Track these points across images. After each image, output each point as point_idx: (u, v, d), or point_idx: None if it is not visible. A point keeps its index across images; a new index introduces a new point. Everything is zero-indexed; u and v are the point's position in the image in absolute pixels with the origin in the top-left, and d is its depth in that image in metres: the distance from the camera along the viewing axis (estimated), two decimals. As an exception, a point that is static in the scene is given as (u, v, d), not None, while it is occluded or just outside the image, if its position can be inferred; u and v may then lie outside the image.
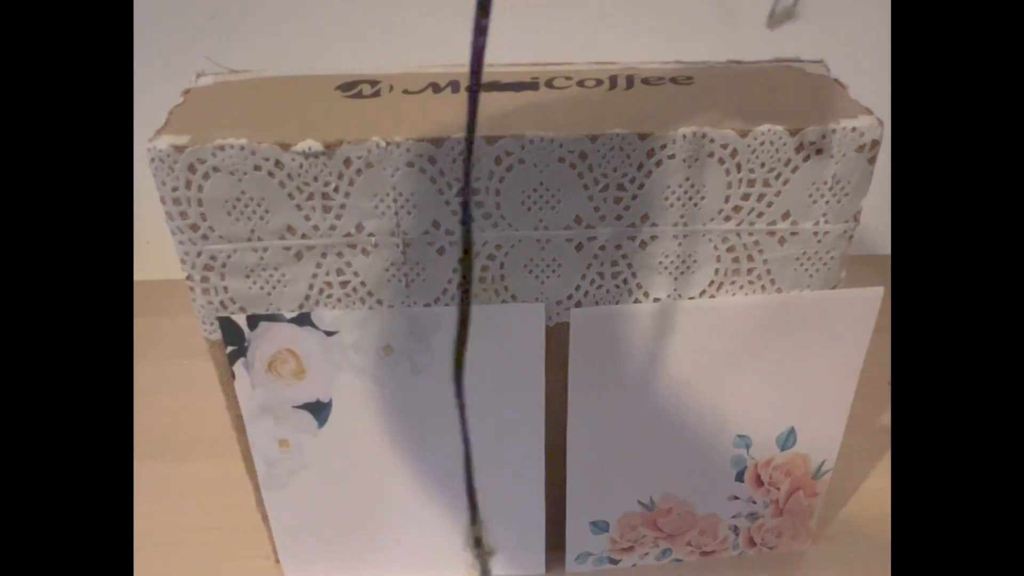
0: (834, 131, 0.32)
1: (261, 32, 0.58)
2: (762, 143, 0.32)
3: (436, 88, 0.36)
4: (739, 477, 0.41)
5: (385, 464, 0.39)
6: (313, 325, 0.35)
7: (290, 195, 0.32)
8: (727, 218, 0.34)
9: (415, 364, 0.36)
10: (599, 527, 0.42)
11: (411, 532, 0.41)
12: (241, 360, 0.35)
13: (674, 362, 0.37)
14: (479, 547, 0.25)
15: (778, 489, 0.42)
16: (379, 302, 0.35)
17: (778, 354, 0.37)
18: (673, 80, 0.36)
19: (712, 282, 0.35)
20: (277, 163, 0.31)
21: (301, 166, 0.31)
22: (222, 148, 0.30)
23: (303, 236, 0.33)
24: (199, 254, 0.33)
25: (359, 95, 0.35)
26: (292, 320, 0.35)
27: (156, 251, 0.65)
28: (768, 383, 0.38)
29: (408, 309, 0.35)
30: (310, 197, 0.32)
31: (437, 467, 0.39)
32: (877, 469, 0.50)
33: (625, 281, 0.35)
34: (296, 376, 0.36)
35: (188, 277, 0.34)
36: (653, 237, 0.34)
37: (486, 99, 0.35)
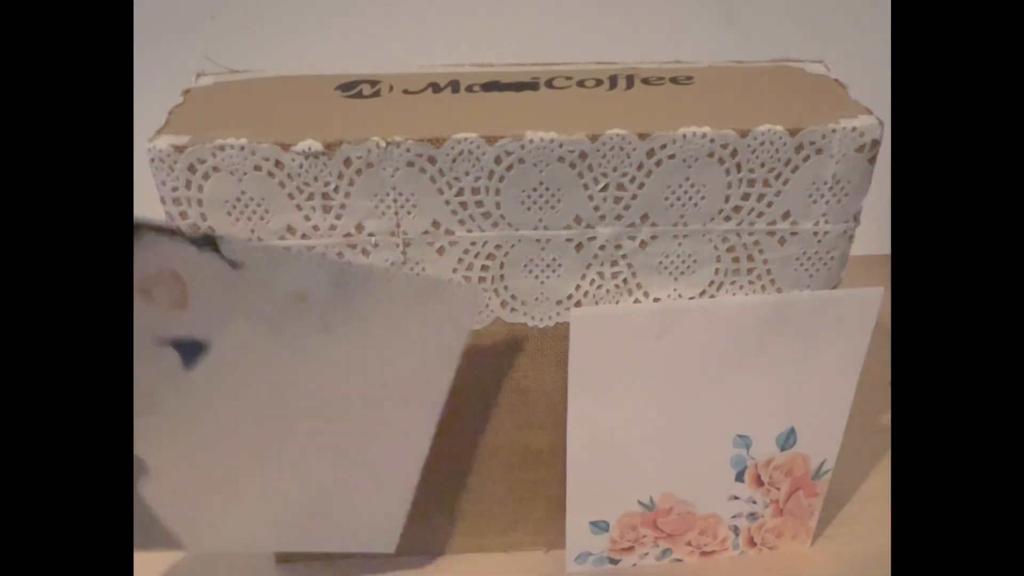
0: (834, 131, 0.32)
1: (261, 32, 0.58)
2: (762, 143, 0.32)
3: (436, 88, 0.36)
4: (739, 477, 0.41)
5: (255, 426, 0.33)
6: (218, 251, 0.29)
7: (290, 195, 0.32)
8: (727, 218, 0.34)
9: (327, 319, 0.32)
10: (599, 527, 0.42)
11: (262, 494, 0.36)
12: None
13: (674, 362, 0.37)
14: None
15: (778, 489, 0.42)
16: (379, 302, 0.35)
17: (778, 354, 0.37)
18: (673, 80, 0.36)
19: (712, 282, 0.35)
20: (277, 163, 0.31)
21: (301, 166, 0.31)
22: (222, 148, 0.31)
23: (303, 236, 0.33)
24: (199, 254, 0.33)
25: (359, 95, 0.35)
26: (193, 240, 0.28)
27: (156, 251, 0.65)
28: (768, 383, 0.38)
29: (342, 258, 0.31)
30: (310, 197, 0.32)
31: (317, 435, 0.35)
32: (877, 469, 0.50)
33: (625, 281, 0.35)
34: (175, 306, 0.29)
35: (188, 277, 0.33)
36: (653, 237, 0.34)
37: (486, 99, 0.35)
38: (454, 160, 0.31)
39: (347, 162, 0.31)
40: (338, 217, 0.32)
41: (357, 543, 0.40)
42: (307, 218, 0.32)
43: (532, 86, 0.36)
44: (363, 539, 0.40)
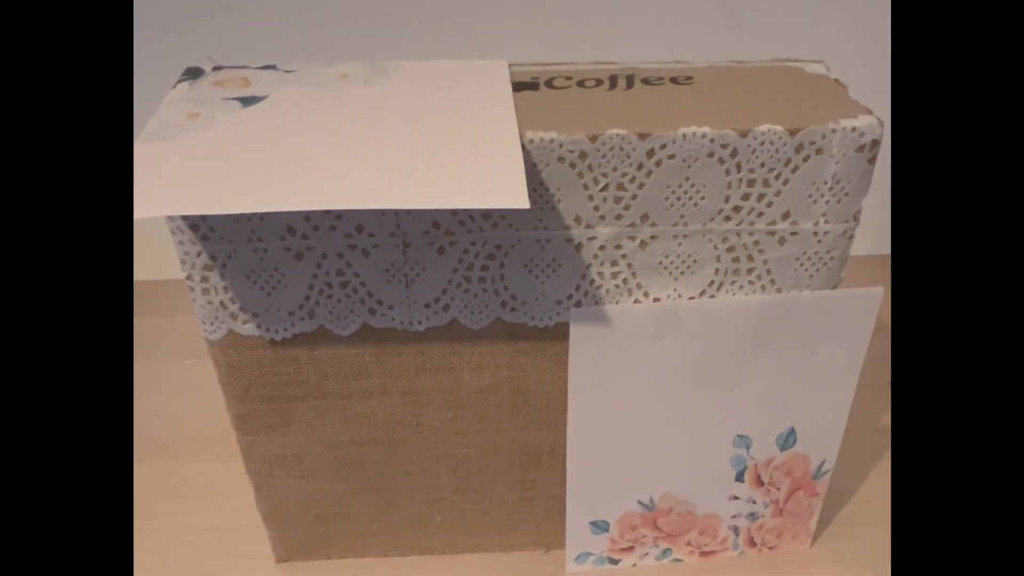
0: (834, 131, 0.32)
1: (261, 32, 0.58)
2: (762, 143, 0.32)
3: (436, 88, 0.36)
4: (739, 477, 0.41)
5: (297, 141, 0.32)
6: (274, 68, 0.36)
7: (290, 195, 0.32)
8: (727, 218, 0.34)
9: (369, 80, 0.36)
10: (599, 527, 0.42)
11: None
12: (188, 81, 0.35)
13: (674, 362, 0.37)
14: None
15: (778, 489, 0.42)
16: (379, 302, 0.35)
17: (778, 354, 0.37)
18: (673, 80, 0.36)
19: (712, 282, 0.35)
20: (277, 163, 0.31)
21: (301, 166, 0.31)
22: (222, 148, 0.30)
23: (303, 236, 0.33)
24: (199, 254, 0.33)
25: (359, 95, 0.35)
26: (257, 67, 0.36)
27: (156, 251, 0.65)
28: (768, 383, 0.38)
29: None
30: (310, 197, 0.32)
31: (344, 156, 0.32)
32: (877, 469, 0.50)
33: (625, 281, 0.35)
34: (240, 87, 0.35)
35: (188, 277, 0.34)
36: (653, 237, 0.34)
37: (486, 99, 0.35)
38: (454, 160, 0.31)
39: (347, 162, 0.31)
40: (338, 217, 0.32)
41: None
42: (307, 218, 0.32)
43: (532, 86, 0.36)
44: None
